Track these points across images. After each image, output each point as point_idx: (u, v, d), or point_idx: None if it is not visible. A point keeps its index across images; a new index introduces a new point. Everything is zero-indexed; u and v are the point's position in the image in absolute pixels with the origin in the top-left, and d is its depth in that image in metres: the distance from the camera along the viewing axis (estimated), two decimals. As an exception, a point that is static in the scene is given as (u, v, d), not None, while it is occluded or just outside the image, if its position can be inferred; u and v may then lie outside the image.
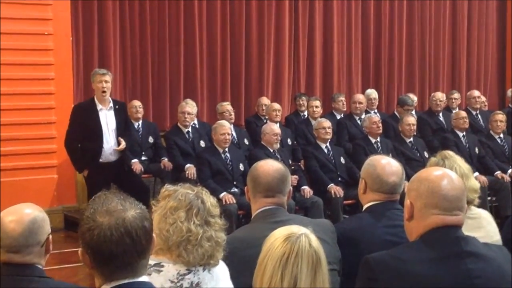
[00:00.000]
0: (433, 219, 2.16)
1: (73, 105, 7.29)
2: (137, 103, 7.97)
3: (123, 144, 6.27)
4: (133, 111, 7.81)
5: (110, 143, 6.28)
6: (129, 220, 1.79)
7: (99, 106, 6.26)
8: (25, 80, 7.49)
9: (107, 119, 6.29)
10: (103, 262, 1.79)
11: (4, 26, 7.32)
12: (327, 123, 7.33)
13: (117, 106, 6.39)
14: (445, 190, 2.16)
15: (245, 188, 2.99)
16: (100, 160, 6.26)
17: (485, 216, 3.19)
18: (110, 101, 6.33)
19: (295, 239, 1.99)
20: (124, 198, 1.85)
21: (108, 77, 6.25)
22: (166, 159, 7.60)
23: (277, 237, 2.02)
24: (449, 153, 3.30)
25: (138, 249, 1.80)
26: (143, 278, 1.85)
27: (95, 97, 6.33)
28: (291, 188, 2.97)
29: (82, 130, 6.24)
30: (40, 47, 7.59)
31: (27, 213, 2.54)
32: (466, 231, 2.23)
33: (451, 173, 2.26)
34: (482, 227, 3.08)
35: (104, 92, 6.21)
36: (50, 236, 2.60)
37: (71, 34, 7.99)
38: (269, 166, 2.90)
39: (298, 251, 1.96)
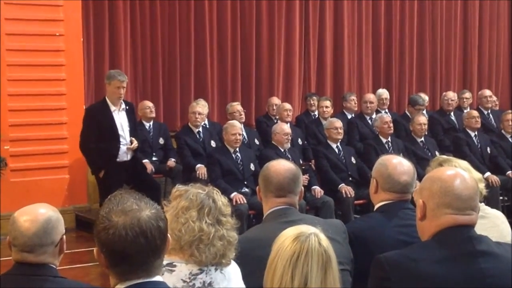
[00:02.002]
0: (446, 218, 2.15)
1: (84, 107, 7.34)
2: (149, 103, 8.00)
3: (135, 143, 6.37)
4: (147, 111, 7.85)
5: (125, 142, 6.35)
6: (144, 220, 1.79)
7: (112, 107, 6.33)
8: (37, 81, 7.54)
9: (121, 119, 6.37)
10: (118, 262, 1.79)
11: (16, 27, 7.38)
12: (338, 123, 7.32)
13: (127, 107, 6.47)
14: (458, 189, 2.16)
15: (257, 188, 2.99)
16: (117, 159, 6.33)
17: (499, 216, 3.18)
18: (122, 102, 6.41)
19: (304, 238, 1.98)
20: (139, 198, 1.85)
21: (125, 83, 6.37)
22: (172, 160, 7.63)
23: (287, 237, 2.01)
24: (443, 156, 3.31)
25: (152, 249, 1.80)
26: (158, 278, 1.85)
27: (106, 98, 6.38)
28: (302, 188, 2.97)
29: (98, 132, 6.29)
30: (52, 48, 7.64)
31: (42, 213, 2.54)
32: (480, 230, 2.22)
33: (463, 172, 2.25)
34: (495, 226, 3.07)
35: (120, 97, 6.32)
36: (64, 236, 2.61)
37: (82, 35, 8.03)
38: (281, 166, 2.90)
39: (308, 250, 1.96)
